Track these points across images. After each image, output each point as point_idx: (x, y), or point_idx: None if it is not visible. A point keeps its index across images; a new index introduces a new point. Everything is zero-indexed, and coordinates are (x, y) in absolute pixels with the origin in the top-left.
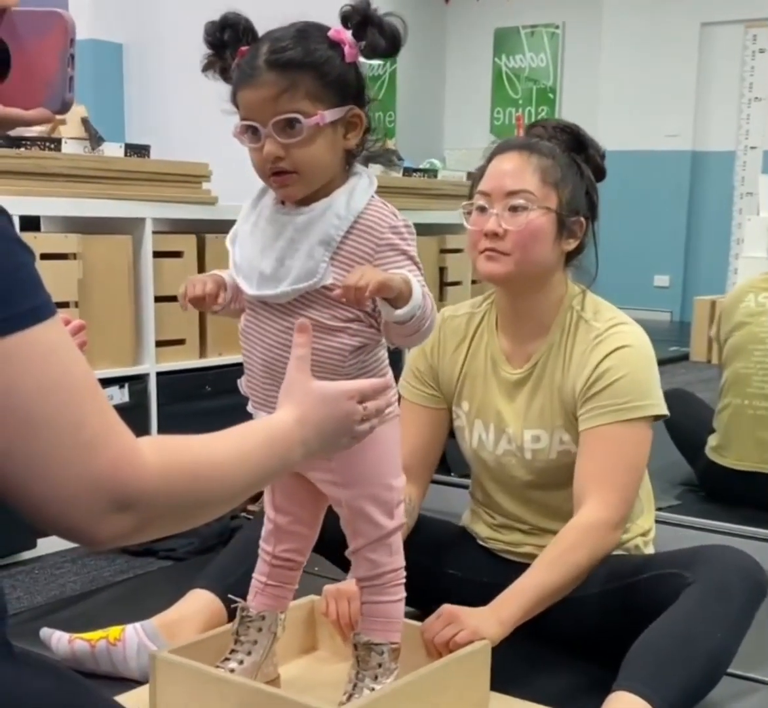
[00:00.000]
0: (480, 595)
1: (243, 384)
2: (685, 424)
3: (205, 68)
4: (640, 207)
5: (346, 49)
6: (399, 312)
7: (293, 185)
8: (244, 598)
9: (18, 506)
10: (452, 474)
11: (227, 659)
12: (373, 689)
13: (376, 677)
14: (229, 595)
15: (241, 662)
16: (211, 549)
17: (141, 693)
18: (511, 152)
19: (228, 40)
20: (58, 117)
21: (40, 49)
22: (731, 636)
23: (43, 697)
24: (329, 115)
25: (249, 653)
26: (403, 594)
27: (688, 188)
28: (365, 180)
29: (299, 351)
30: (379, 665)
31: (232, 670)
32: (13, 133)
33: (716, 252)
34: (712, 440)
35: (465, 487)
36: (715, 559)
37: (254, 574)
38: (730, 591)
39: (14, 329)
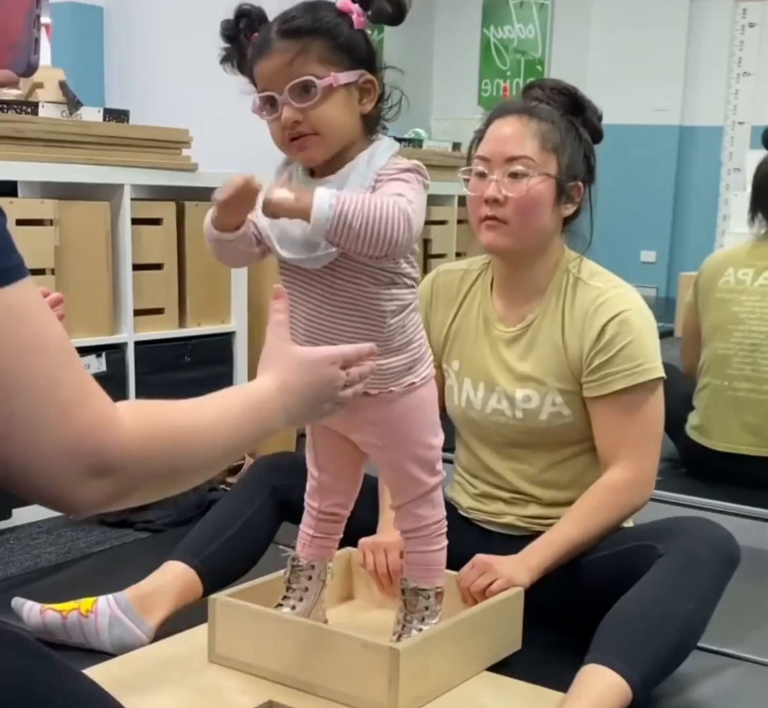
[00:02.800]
0: (460, 566)
1: None
2: (670, 400)
3: (223, 60)
4: (627, 182)
5: (354, 16)
6: (308, 227)
7: (313, 147)
8: (220, 570)
9: None
10: None
11: (280, 605)
12: (420, 630)
13: (423, 619)
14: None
15: (293, 607)
16: (188, 521)
17: (111, 666)
18: (511, 116)
19: (243, 28)
20: (24, 79)
21: (5, 10)
22: (702, 606)
23: (17, 673)
24: (342, 77)
25: (301, 599)
26: (445, 542)
27: (676, 163)
28: (386, 142)
29: (277, 316)
30: (426, 608)
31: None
32: None
33: (703, 228)
34: (692, 419)
35: (447, 461)
36: (687, 531)
37: (301, 527)
38: (700, 561)
39: None
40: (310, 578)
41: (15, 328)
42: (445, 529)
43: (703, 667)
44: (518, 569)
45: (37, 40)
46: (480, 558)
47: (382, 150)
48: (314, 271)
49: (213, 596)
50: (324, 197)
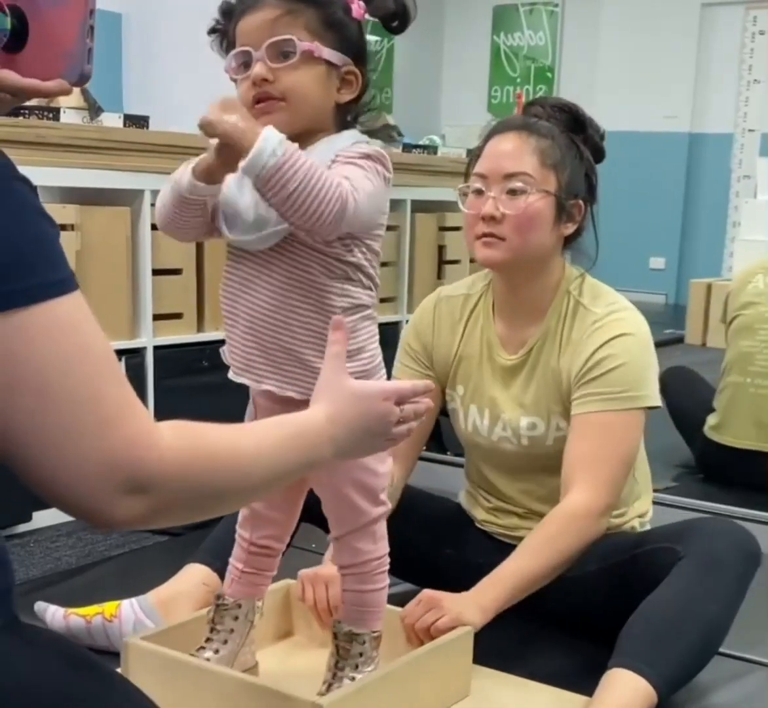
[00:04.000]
0: (475, 575)
1: (225, 351)
2: (686, 403)
3: (211, 32)
4: (637, 188)
5: (354, 6)
6: (242, 163)
7: (276, 113)
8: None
9: (32, 483)
10: (448, 452)
11: (203, 648)
12: (353, 679)
13: (356, 666)
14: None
15: (216, 651)
16: (207, 523)
17: None
18: (509, 133)
19: (237, 5)
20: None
21: (60, 19)
22: (725, 607)
23: (61, 685)
24: (326, 52)
25: (225, 642)
26: (387, 581)
27: (685, 170)
28: (354, 132)
29: (334, 348)
30: (360, 654)
31: (207, 660)
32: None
33: (712, 235)
34: (711, 419)
35: (461, 465)
36: (706, 531)
37: (231, 560)
38: (721, 562)
39: (40, 299)
40: (236, 619)
41: (62, 340)
42: (386, 567)
43: (724, 672)
44: (469, 606)
45: (90, 50)
46: (427, 593)
47: (348, 135)
48: (263, 256)
49: (126, 639)
50: (272, 139)
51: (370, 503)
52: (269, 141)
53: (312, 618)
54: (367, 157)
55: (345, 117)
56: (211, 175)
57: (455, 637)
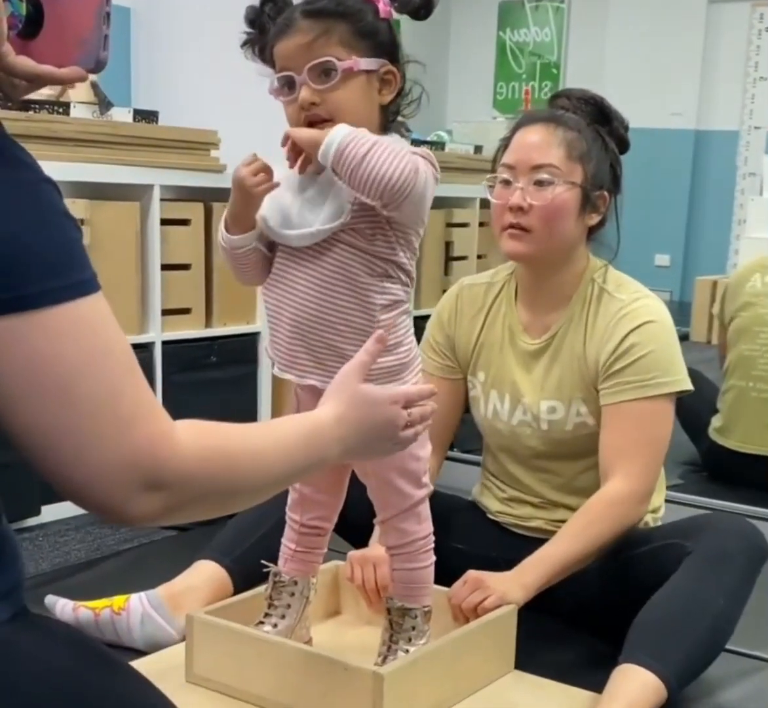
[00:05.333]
0: (488, 569)
1: (268, 348)
2: (692, 403)
3: (244, 44)
4: (642, 185)
5: (380, 5)
6: (319, 151)
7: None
8: (251, 570)
9: (49, 478)
10: (455, 449)
11: (261, 622)
12: (407, 651)
13: (409, 640)
14: (262, 561)
15: (275, 625)
16: (215, 520)
17: (143, 663)
18: (537, 124)
19: (267, 12)
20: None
21: (75, 6)
22: (733, 602)
23: (71, 676)
24: (363, 63)
25: (282, 617)
26: (433, 559)
27: (691, 167)
28: (396, 136)
29: (364, 357)
30: (413, 628)
31: (267, 633)
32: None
33: (718, 232)
34: (715, 421)
35: (469, 462)
36: (714, 527)
37: (283, 540)
38: (729, 557)
39: (63, 300)
40: (292, 595)
41: (84, 340)
42: (431, 545)
43: (732, 669)
44: (512, 586)
45: (106, 37)
46: (472, 574)
47: (395, 138)
48: (307, 255)
49: (191, 613)
50: (343, 127)
51: (414, 486)
52: (341, 128)
53: (360, 597)
54: (416, 153)
55: (387, 117)
56: (239, 224)
57: (501, 615)
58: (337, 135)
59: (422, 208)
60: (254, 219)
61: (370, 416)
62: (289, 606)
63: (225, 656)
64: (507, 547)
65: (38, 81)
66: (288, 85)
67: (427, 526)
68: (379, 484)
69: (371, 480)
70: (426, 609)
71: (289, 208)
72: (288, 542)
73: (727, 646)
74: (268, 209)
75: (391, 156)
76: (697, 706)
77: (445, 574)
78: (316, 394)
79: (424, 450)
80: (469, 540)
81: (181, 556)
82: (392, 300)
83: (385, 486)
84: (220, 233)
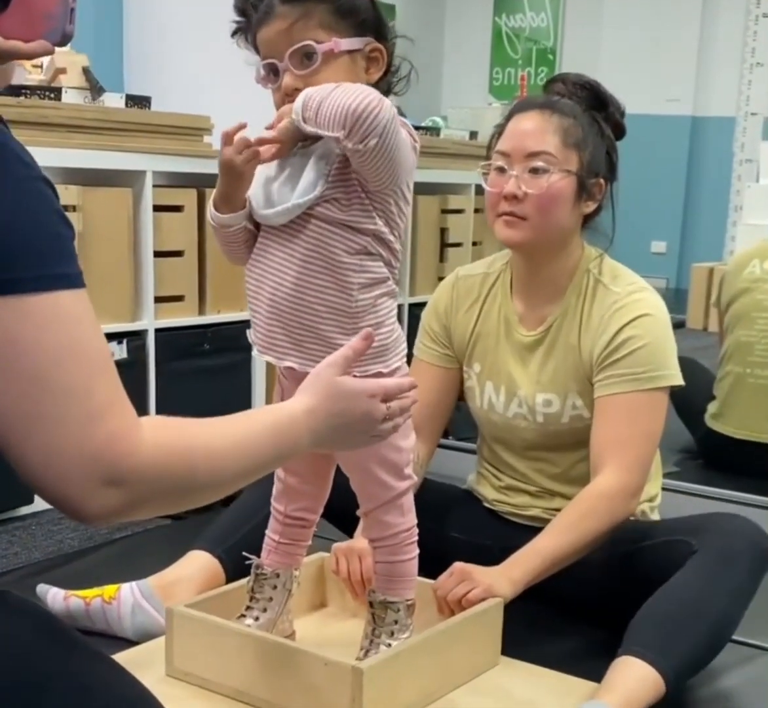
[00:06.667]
0: (484, 558)
1: (251, 332)
2: (689, 391)
3: (234, 33)
4: (639, 171)
5: None
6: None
7: None
8: (243, 560)
9: (16, 467)
10: (450, 437)
11: (243, 616)
12: (389, 645)
13: (392, 634)
14: (244, 553)
15: (256, 619)
16: (210, 508)
17: (133, 653)
18: (532, 111)
19: (252, 1)
20: (55, 63)
21: None
22: (736, 603)
23: (29, 655)
24: (344, 43)
25: (264, 610)
26: (417, 551)
27: (688, 154)
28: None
29: (348, 352)
30: (395, 622)
31: (248, 627)
32: (14, 81)
33: (714, 219)
34: (711, 408)
35: (465, 450)
36: (721, 527)
37: (267, 532)
38: (735, 558)
39: (45, 289)
40: (274, 588)
41: (61, 331)
42: (415, 538)
43: (734, 658)
44: (500, 579)
45: (72, 10)
46: (459, 566)
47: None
48: (286, 234)
49: (170, 606)
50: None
51: (396, 478)
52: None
53: (345, 590)
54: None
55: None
56: (229, 204)
57: (486, 608)
58: (307, 90)
59: (395, 162)
60: (244, 198)
61: (343, 409)
62: (271, 599)
63: (205, 650)
64: (503, 535)
65: (6, 56)
66: (272, 73)
67: (411, 518)
68: (360, 475)
69: (353, 471)
70: (409, 602)
71: (270, 187)
72: (272, 534)
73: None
74: (253, 190)
75: (356, 90)
76: (699, 693)
77: (441, 563)
78: (297, 378)
79: (406, 441)
80: (465, 528)
81: (175, 545)
82: (372, 279)
83: (366, 477)
84: (209, 212)
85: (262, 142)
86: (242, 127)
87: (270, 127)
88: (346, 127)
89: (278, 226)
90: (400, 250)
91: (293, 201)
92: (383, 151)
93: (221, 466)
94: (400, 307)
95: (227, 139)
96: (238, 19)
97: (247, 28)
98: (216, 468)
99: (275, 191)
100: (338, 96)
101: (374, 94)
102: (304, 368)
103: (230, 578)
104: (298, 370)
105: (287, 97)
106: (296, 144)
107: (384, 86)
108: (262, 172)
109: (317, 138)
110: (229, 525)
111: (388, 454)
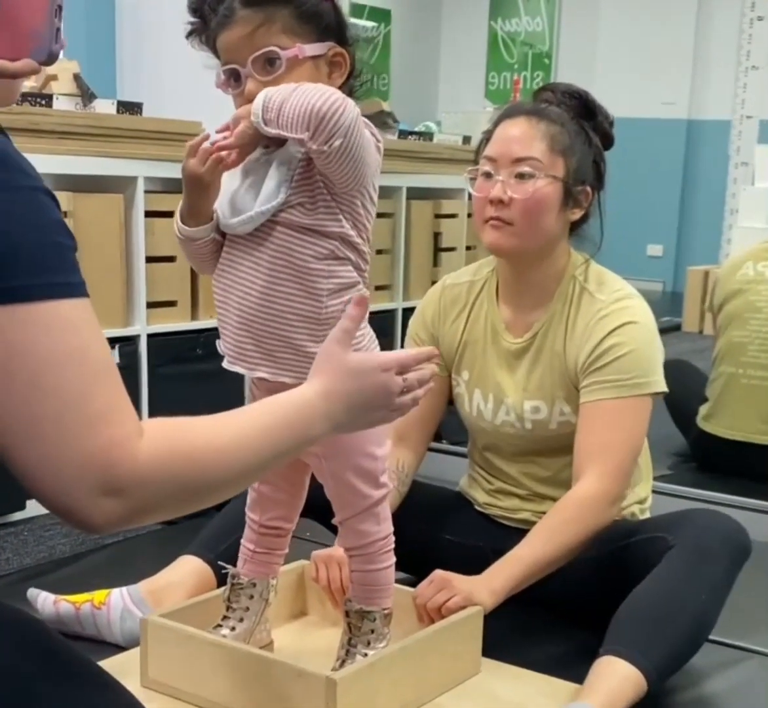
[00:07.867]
0: (476, 560)
1: (220, 343)
2: (682, 394)
3: (189, 34)
4: (634, 175)
5: None
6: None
7: None
8: (235, 565)
9: (17, 474)
10: (443, 441)
11: (219, 626)
12: (366, 655)
13: (368, 643)
14: (219, 562)
15: (233, 629)
16: (202, 513)
17: (122, 659)
18: (519, 117)
19: (209, 2)
20: (46, 70)
21: None
22: (714, 597)
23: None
24: (308, 49)
25: (241, 620)
26: (393, 560)
27: (683, 157)
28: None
29: (346, 323)
30: (372, 631)
31: (224, 637)
32: None
33: (710, 222)
34: (703, 409)
35: (457, 454)
36: (697, 522)
37: (243, 542)
38: (711, 553)
39: (46, 297)
40: (251, 597)
41: (62, 338)
42: (391, 547)
43: (715, 660)
44: (480, 587)
45: (58, 30)
46: (438, 573)
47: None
48: (252, 242)
49: (145, 616)
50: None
51: (371, 487)
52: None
53: (325, 598)
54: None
55: None
56: (196, 216)
57: (466, 616)
58: (265, 90)
59: (361, 161)
60: (211, 211)
61: (359, 387)
62: (247, 608)
63: (179, 661)
64: (495, 537)
65: None
66: (234, 78)
67: (387, 527)
68: (335, 484)
69: (328, 479)
70: (386, 611)
71: (234, 196)
72: (247, 543)
73: (710, 637)
74: (219, 200)
75: (318, 90)
76: (681, 696)
77: (433, 565)
78: (268, 388)
79: (381, 449)
80: (457, 531)
81: (167, 550)
82: (341, 284)
83: (341, 486)
84: (176, 225)
85: (220, 148)
86: (206, 138)
87: (222, 130)
88: (311, 128)
89: (244, 235)
90: (368, 253)
91: (256, 209)
92: (348, 152)
93: (225, 465)
94: (393, 311)
95: (191, 151)
96: (192, 20)
97: (202, 30)
98: (220, 467)
99: (239, 200)
100: (301, 96)
101: (337, 94)
102: (277, 378)
103: (221, 583)
104: (271, 381)
105: (250, 103)
106: (256, 147)
107: (346, 90)
108: (227, 181)
109: (280, 141)
110: (220, 530)
111: (364, 463)
